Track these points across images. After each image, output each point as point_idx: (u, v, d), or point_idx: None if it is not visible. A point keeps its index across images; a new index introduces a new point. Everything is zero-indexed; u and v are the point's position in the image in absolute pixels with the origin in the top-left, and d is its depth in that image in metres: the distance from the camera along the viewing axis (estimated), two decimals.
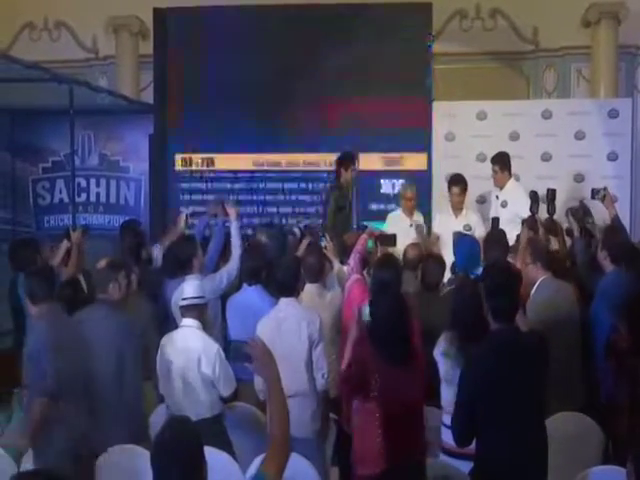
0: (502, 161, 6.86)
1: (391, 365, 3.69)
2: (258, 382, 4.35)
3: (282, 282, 4.62)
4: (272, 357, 2.97)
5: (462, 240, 5.63)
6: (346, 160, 6.91)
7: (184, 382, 4.37)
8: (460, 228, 6.48)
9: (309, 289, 5.09)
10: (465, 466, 3.69)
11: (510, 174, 6.86)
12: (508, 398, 3.39)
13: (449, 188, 6.96)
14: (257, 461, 3.88)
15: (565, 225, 5.91)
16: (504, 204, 6.78)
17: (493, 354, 3.46)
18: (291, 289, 4.61)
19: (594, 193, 5.78)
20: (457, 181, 6.91)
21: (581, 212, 5.65)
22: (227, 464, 3.92)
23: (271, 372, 2.94)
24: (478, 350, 3.56)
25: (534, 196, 6.01)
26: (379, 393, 3.64)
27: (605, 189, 5.83)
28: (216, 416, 4.38)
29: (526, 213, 5.96)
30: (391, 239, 5.66)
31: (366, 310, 3.99)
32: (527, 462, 3.42)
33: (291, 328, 4.46)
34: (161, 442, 2.72)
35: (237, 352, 3.05)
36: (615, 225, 5.44)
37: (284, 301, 4.60)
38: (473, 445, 3.51)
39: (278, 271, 4.68)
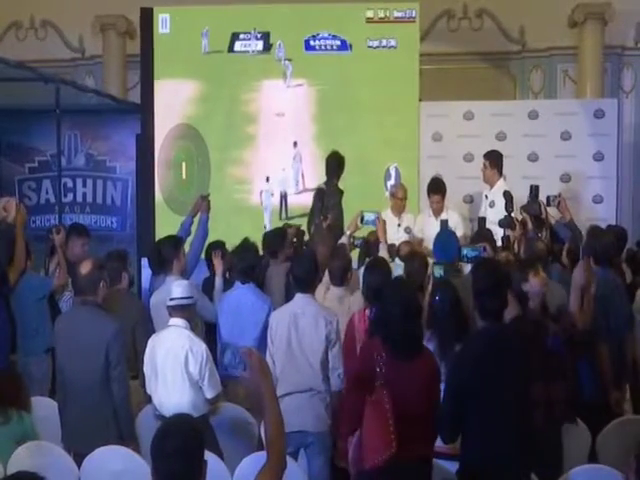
0: (492, 158, 6.90)
1: (401, 360, 3.59)
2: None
3: (300, 277, 4.54)
4: (268, 368, 2.91)
5: (439, 233, 5.83)
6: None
7: (171, 381, 4.36)
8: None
9: (334, 292, 5.03)
10: (449, 466, 3.70)
11: (500, 174, 6.89)
12: (495, 395, 3.40)
13: (429, 195, 6.94)
14: (247, 462, 3.92)
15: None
16: (492, 204, 6.80)
17: (480, 352, 3.47)
18: (309, 284, 4.54)
19: (549, 200, 5.82)
20: (438, 189, 6.88)
21: (536, 206, 5.71)
22: (214, 465, 3.89)
23: (267, 384, 2.85)
24: (465, 348, 3.57)
25: (508, 196, 6.07)
26: (385, 381, 3.54)
27: (559, 195, 5.89)
28: (202, 416, 4.37)
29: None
30: None
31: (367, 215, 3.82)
32: (512, 460, 3.42)
33: (309, 325, 4.41)
34: (163, 437, 2.64)
35: (233, 356, 2.95)
36: (598, 226, 5.50)
37: (300, 296, 4.52)
38: (456, 444, 3.52)
39: (296, 266, 4.61)
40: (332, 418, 4.43)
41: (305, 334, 4.40)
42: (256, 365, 2.83)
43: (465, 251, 4.79)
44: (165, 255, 5.25)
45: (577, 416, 4.37)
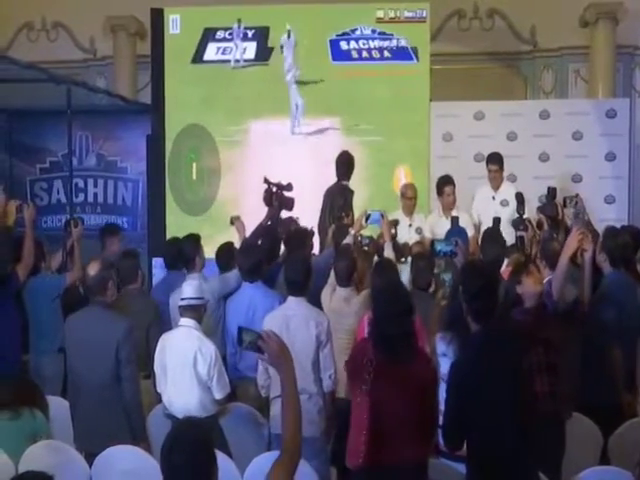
0: (501, 161, 6.94)
1: (391, 363, 3.58)
2: (261, 377, 4.39)
3: (292, 281, 4.57)
4: (288, 351, 2.79)
5: (449, 230, 6.04)
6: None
7: (180, 381, 4.38)
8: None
9: (340, 292, 5.03)
10: (460, 468, 3.68)
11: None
12: (495, 397, 3.36)
13: (441, 189, 6.90)
14: (257, 462, 3.92)
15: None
16: (505, 203, 6.83)
17: (475, 356, 3.43)
18: (301, 288, 4.55)
19: (566, 202, 5.80)
20: (449, 181, 6.89)
21: (553, 207, 5.72)
22: (224, 465, 3.89)
23: (287, 370, 2.77)
24: (462, 354, 3.54)
25: (520, 198, 6.06)
26: (371, 388, 3.54)
27: (577, 196, 5.87)
28: (211, 417, 4.38)
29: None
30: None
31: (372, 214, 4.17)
32: (518, 459, 3.38)
33: (299, 327, 4.43)
34: (174, 441, 2.64)
35: (249, 339, 2.76)
36: (614, 227, 5.47)
37: (293, 299, 4.55)
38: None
39: (288, 269, 4.63)
40: (328, 419, 4.46)
41: (296, 336, 4.40)
42: (275, 350, 2.73)
43: (439, 246, 4.76)
44: (187, 253, 5.36)
45: (589, 418, 4.35)
